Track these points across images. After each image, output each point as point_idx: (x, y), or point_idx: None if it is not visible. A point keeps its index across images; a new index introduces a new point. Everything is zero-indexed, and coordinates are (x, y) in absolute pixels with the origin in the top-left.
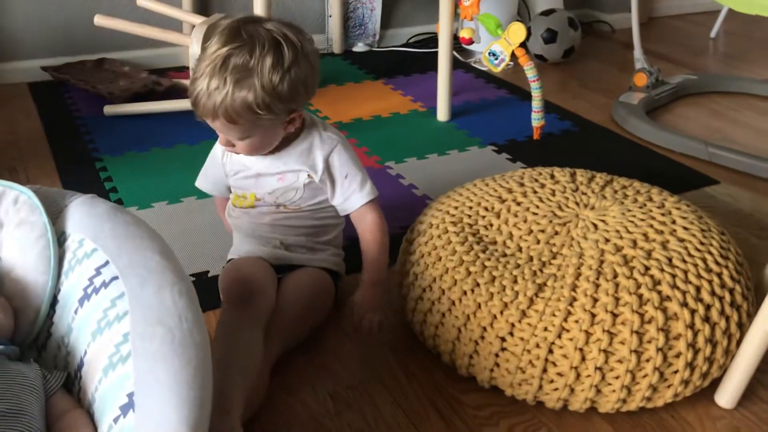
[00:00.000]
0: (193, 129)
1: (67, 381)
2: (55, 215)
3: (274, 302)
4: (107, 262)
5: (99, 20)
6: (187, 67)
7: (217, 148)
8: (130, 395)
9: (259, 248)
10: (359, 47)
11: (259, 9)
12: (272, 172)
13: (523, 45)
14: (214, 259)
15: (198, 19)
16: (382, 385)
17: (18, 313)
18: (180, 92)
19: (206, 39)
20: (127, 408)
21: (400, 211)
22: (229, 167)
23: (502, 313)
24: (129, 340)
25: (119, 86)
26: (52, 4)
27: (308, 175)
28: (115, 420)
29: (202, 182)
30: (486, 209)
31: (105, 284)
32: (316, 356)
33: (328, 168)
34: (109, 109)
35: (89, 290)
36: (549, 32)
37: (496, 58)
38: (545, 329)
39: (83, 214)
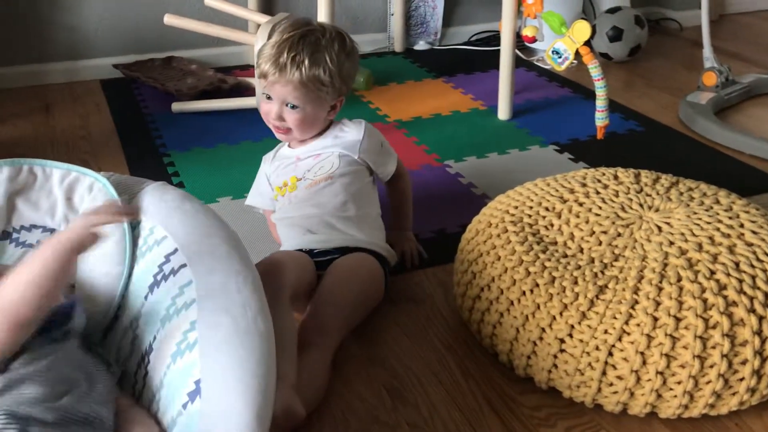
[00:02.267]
0: (257, 126)
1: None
2: (127, 202)
3: (300, 276)
4: (176, 250)
5: (168, 19)
6: (252, 66)
7: (262, 166)
8: (197, 382)
9: (300, 238)
10: (420, 45)
11: (322, 7)
12: (309, 154)
13: (587, 43)
14: None
15: (263, 18)
16: (439, 382)
17: (91, 301)
18: (244, 90)
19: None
20: (194, 394)
21: (458, 209)
22: (272, 170)
23: (561, 314)
24: (196, 328)
25: (187, 84)
26: (123, 5)
27: (341, 153)
28: (184, 406)
29: (252, 200)
30: (547, 209)
31: (174, 271)
32: (373, 350)
33: (363, 142)
34: (176, 106)
35: (159, 277)
36: (615, 30)
37: (560, 57)
38: (605, 332)
39: (155, 200)
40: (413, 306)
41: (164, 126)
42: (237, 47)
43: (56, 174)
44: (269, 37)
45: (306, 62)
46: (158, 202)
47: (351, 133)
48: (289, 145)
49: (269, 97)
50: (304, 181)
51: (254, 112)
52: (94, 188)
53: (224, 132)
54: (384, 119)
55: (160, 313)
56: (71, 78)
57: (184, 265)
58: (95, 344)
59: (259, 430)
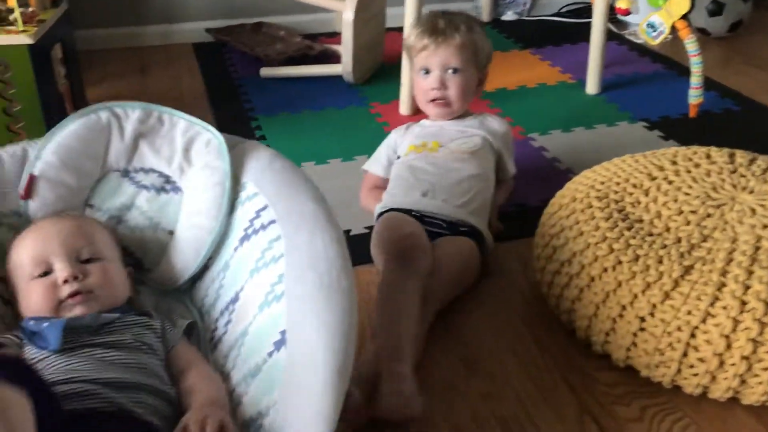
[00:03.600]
0: (341, 94)
1: (189, 328)
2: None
3: (433, 261)
4: (266, 206)
5: None
6: (338, 33)
7: (392, 134)
8: (283, 333)
9: (415, 196)
10: (508, 16)
11: None
12: (455, 127)
13: (684, 17)
14: (357, 219)
15: None
16: (513, 355)
17: (182, 252)
18: (330, 57)
19: (360, 6)
20: (279, 344)
21: (541, 183)
22: (403, 138)
23: (643, 292)
24: (283, 281)
25: (275, 49)
26: None
27: (485, 136)
28: (270, 354)
29: (371, 165)
30: (634, 186)
31: (264, 227)
32: (450, 320)
33: (503, 136)
34: (265, 71)
35: (249, 231)
36: (715, 4)
37: (655, 30)
38: (689, 312)
39: (248, 158)
40: (492, 279)
41: (252, 90)
42: (324, 14)
43: (181, 124)
44: (358, 9)
45: (462, 27)
46: (251, 160)
47: (494, 123)
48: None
49: (427, 72)
50: (445, 148)
51: (339, 80)
52: (210, 144)
53: (309, 98)
54: None
55: (249, 264)
56: (166, 41)
57: (273, 221)
58: (182, 292)
59: (339, 382)
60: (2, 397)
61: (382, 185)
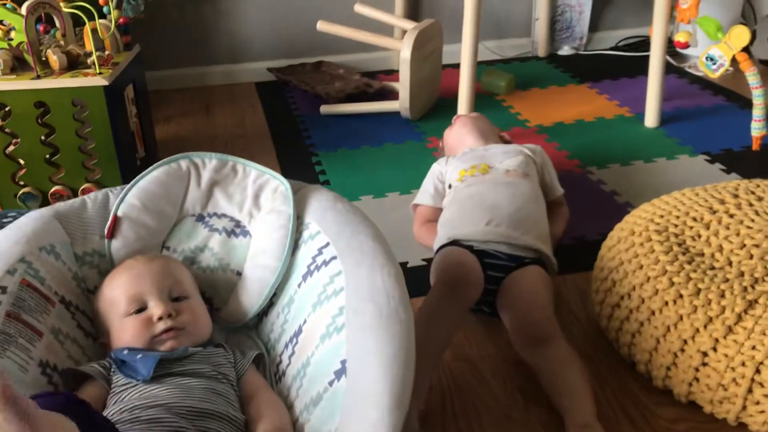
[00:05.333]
0: (399, 129)
1: (257, 359)
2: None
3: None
4: (328, 244)
5: (321, 26)
6: (396, 70)
7: (434, 166)
8: (343, 362)
9: (479, 226)
10: (565, 50)
11: (469, 12)
12: (497, 149)
13: (745, 49)
14: (414, 252)
15: (410, 25)
16: None
17: (248, 291)
18: (388, 94)
19: (417, 45)
20: (340, 373)
21: (599, 217)
22: (448, 167)
23: (705, 327)
24: (344, 313)
25: (335, 87)
26: (278, 12)
27: (527, 153)
28: (330, 383)
29: (420, 198)
30: (695, 219)
31: (326, 263)
32: (508, 351)
33: (541, 153)
34: (325, 109)
35: (312, 267)
36: None
37: (714, 63)
38: (753, 348)
39: (311, 200)
40: None
41: (313, 127)
42: (382, 52)
43: (253, 173)
44: (415, 47)
45: None
46: (314, 202)
47: (530, 145)
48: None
49: None
50: (495, 169)
51: (396, 116)
52: (277, 191)
53: (368, 134)
54: (524, 124)
55: (312, 298)
56: (230, 80)
57: (334, 258)
58: (249, 327)
59: (397, 412)
60: (53, 421)
61: (433, 217)
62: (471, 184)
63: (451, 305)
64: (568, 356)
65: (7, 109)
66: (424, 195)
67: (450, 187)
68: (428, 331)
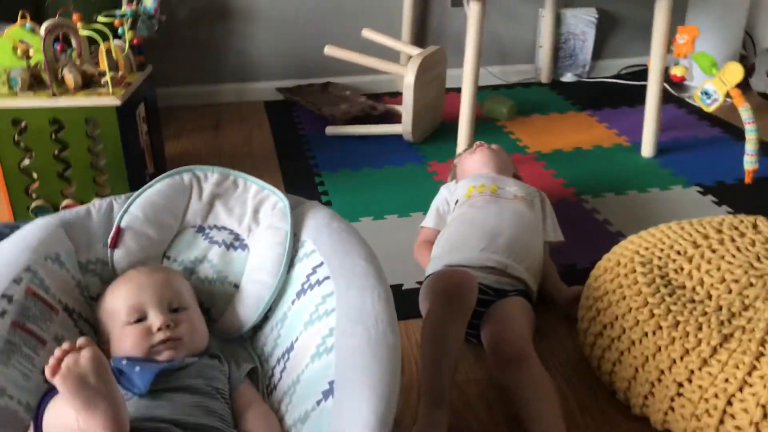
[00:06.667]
0: (401, 152)
1: (251, 372)
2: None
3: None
4: (322, 263)
5: (328, 50)
6: (400, 93)
7: (442, 190)
8: (331, 383)
9: (475, 252)
10: (567, 77)
11: (472, 39)
12: (509, 180)
13: (739, 85)
14: (410, 275)
15: (415, 51)
16: None
17: (244, 304)
18: (392, 117)
19: (421, 71)
20: (327, 394)
21: (591, 245)
22: (454, 189)
23: (682, 358)
24: (333, 335)
25: (340, 109)
26: (288, 34)
27: (535, 190)
28: (318, 402)
29: (426, 221)
30: (678, 253)
31: (319, 282)
32: (494, 378)
33: (547, 198)
34: (330, 130)
35: (305, 286)
36: None
37: (709, 98)
38: (726, 380)
39: (308, 218)
40: (536, 338)
41: (317, 147)
42: (388, 75)
43: (253, 188)
44: (420, 72)
45: None
46: (311, 220)
47: (534, 188)
48: None
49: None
50: (504, 191)
51: (399, 138)
52: (276, 207)
53: (370, 156)
54: (523, 150)
55: (304, 317)
56: (239, 98)
57: (327, 278)
58: (245, 339)
59: None
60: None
61: (434, 238)
62: (476, 204)
63: (452, 315)
64: (540, 379)
65: (23, 124)
66: (428, 218)
67: (456, 202)
68: (441, 347)
